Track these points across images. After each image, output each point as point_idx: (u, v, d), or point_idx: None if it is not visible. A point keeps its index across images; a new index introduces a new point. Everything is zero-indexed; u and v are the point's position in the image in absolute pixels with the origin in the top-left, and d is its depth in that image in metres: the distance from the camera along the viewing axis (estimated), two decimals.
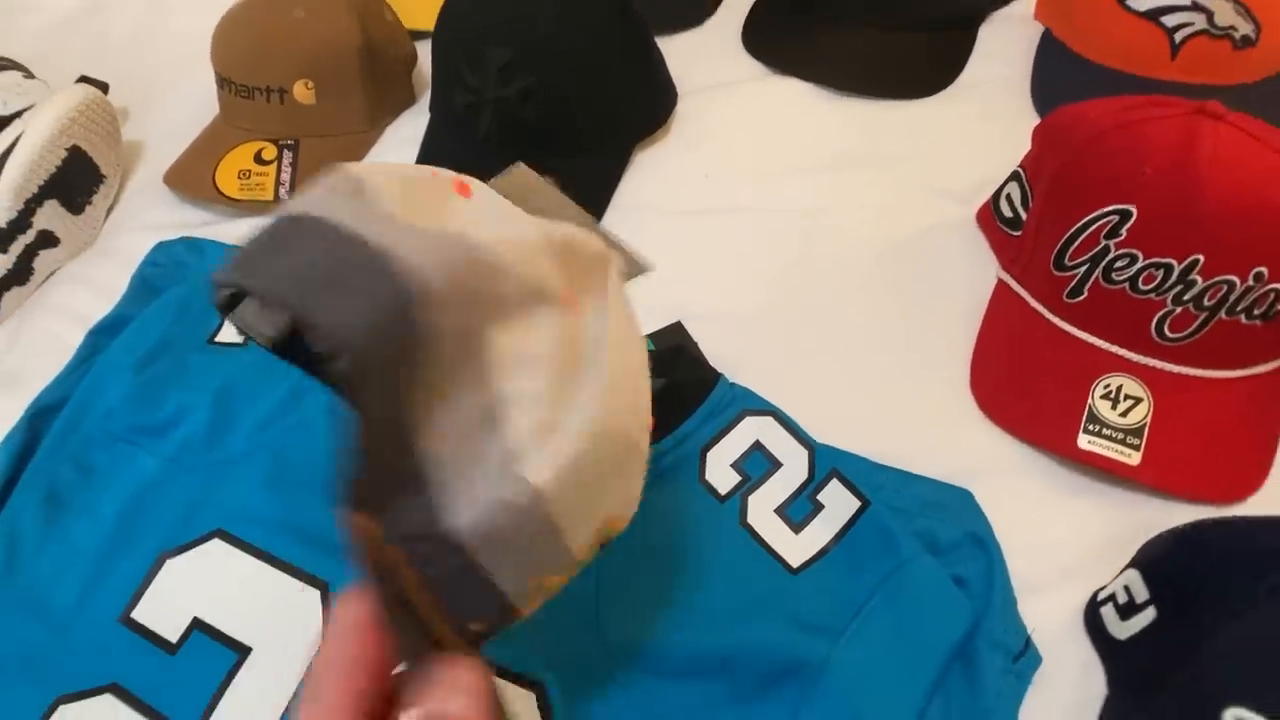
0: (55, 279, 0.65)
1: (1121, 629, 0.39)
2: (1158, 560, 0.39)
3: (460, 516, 0.27)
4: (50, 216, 0.63)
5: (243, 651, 0.44)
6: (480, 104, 0.57)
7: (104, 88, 0.68)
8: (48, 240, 0.64)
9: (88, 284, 0.64)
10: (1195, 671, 0.34)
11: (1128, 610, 0.39)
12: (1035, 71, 0.64)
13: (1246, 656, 0.32)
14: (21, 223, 0.62)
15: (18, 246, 0.62)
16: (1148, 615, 0.38)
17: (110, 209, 0.68)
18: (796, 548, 0.44)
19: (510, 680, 0.42)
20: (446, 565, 0.26)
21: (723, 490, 0.46)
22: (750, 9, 0.71)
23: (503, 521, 0.27)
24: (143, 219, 0.67)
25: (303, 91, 0.63)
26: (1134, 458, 0.44)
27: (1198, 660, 0.34)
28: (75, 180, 0.64)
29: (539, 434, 0.28)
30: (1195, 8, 0.57)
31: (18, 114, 0.65)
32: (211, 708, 0.43)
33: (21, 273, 0.63)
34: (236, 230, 0.63)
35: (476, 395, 0.28)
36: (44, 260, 0.64)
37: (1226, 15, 0.56)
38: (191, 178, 0.65)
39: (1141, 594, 0.39)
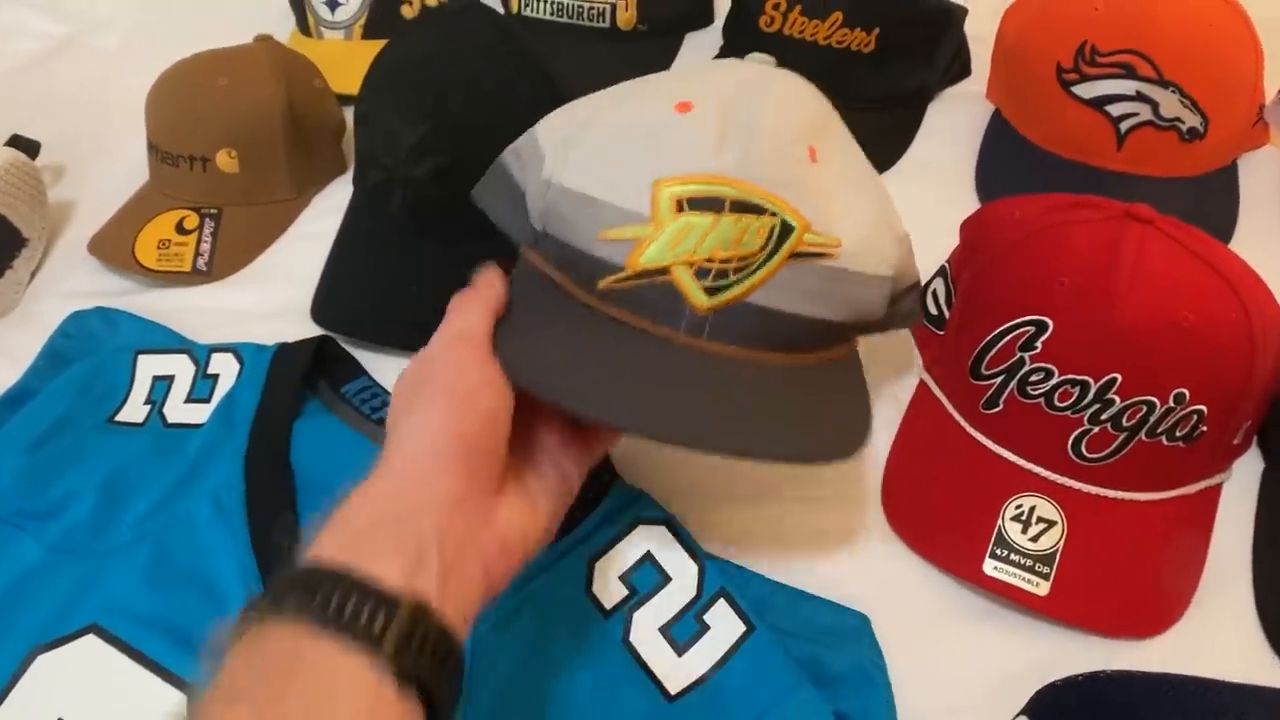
0: None
1: None
2: (1050, 711, 0.37)
3: None
4: None
5: None
6: (392, 181, 0.56)
7: (35, 147, 0.68)
8: None
9: (4, 352, 0.63)
10: None
11: None
12: (981, 153, 0.62)
13: None
14: None
15: None
16: None
17: (34, 273, 0.67)
18: (677, 672, 0.42)
19: None
20: None
21: (608, 605, 0.44)
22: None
23: None
24: (66, 285, 0.66)
25: (226, 160, 0.63)
26: (1042, 587, 0.42)
27: None
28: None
29: None
30: (1140, 98, 0.55)
31: None
32: None
33: None
34: (156, 301, 0.62)
35: None
36: None
37: (1172, 107, 0.54)
38: (113, 246, 0.64)
39: None
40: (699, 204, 0.40)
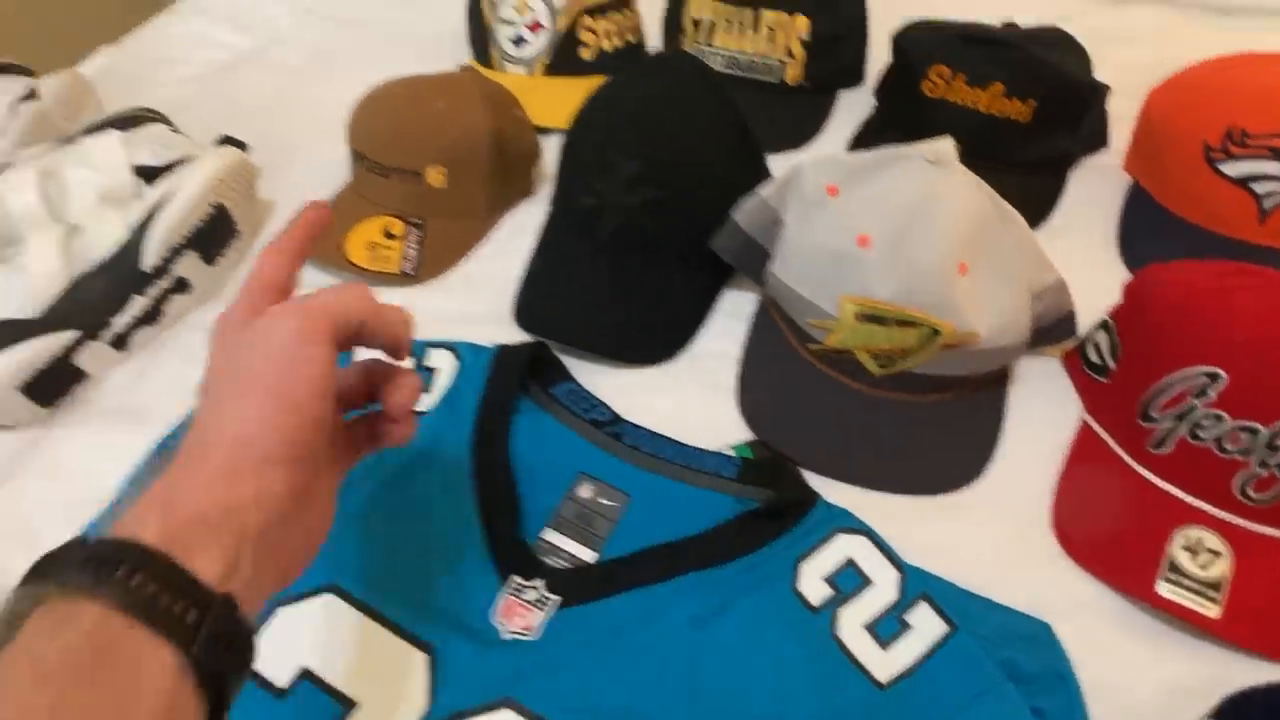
0: (183, 324, 0.70)
1: None
2: (1239, 717, 0.41)
3: None
4: (188, 266, 0.68)
5: (348, 705, 0.47)
6: (603, 207, 0.62)
7: (243, 148, 0.74)
8: (181, 287, 0.69)
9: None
10: None
11: None
12: (1122, 222, 0.68)
13: None
14: (163, 269, 0.67)
15: (155, 290, 0.67)
16: None
17: (240, 263, 0.73)
18: (884, 664, 0.47)
19: None
20: None
21: (815, 602, 0.49)
22: (854, 138, 0.76)
23: None
24: None
25: (435, 176, 0.68)
26: (1213, 610, 0.47)
27: None
28: (214, 235, 0.69)
29: None
30: None
31: (168, 166, 0.71)
32: None
33: (153, 314, 0.68)
34: None
35: None
36: (175, 305, 0.69)
37: None
38: (320, 244, 0.69)
39: None
40: (870, 318, 0.55)
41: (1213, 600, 0.47)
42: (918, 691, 0.46)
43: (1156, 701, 0.46)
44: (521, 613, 0.49)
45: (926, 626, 0.47)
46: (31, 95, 0.78)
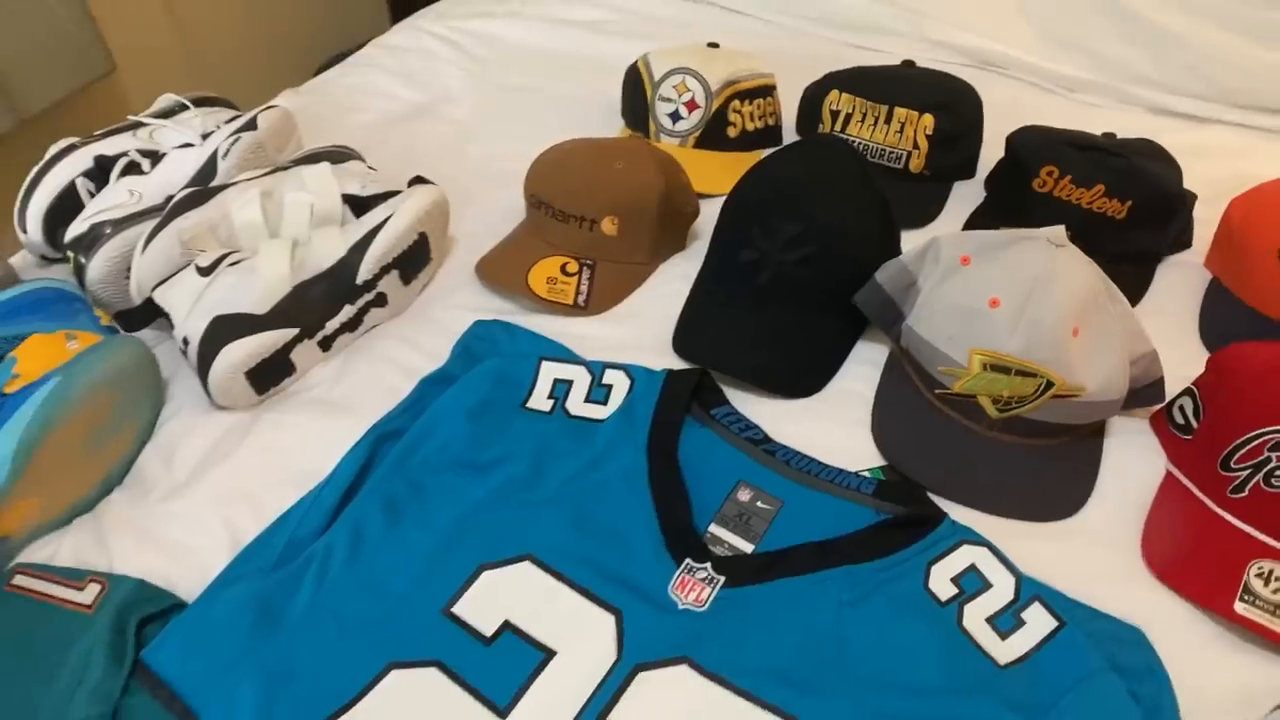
0: (377, 332, 0.83)
1: None
2: None
3: None
4: (389, 283, 0.82)
5: (547, 654, 0.58)
6: (763, 262, 0.75)
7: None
8: (381, 301, 0.82)
9: (404, 340, 0.82)
10: None
11: None
12: (1203, 311, 0.80)
13: None
14: (370, 284, 0.80)
15: (361, 301, 0.81)
16: None
17: (425, 285, 0.86)
18: (1004, 651, 0.57)
19: None
20: None
21: (943, 598, 0.60)
22: (967, 222, 0.89)
23: None
24: (452, 299, 0.85)
25: (609, 225, 0.82)
26: None
27: None
28: (414, 259, 0.83)
29: None
30: None
31: (374, 196, 0.85)
32: (519, 696, 0.56)
33: (355, 323, 0.81)
34: (537, 323, 0.80)
35: None
36: (373, 316, 0.82)
37: None
38: (504, 275, 0.83)
39: None
40: (996, 368, 0.67)
41: None
42: (1032, 673, 0.56)
43: (1228, 698, 0.56)
44: (694, 588, 0.61)
45: (1039, 622, 0.58)
46: (251, 125, 0.93)
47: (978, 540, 0.62)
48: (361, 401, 0.76)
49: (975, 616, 0.59)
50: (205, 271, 0.78)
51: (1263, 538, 0.61)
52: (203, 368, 0.74)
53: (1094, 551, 0.64)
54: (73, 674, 0.58)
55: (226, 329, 0.74)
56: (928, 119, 0.88)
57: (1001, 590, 0.60)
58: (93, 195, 0.90)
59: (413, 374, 0.77)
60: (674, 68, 0.94)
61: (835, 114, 0.91)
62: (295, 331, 0.77)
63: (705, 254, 0.84)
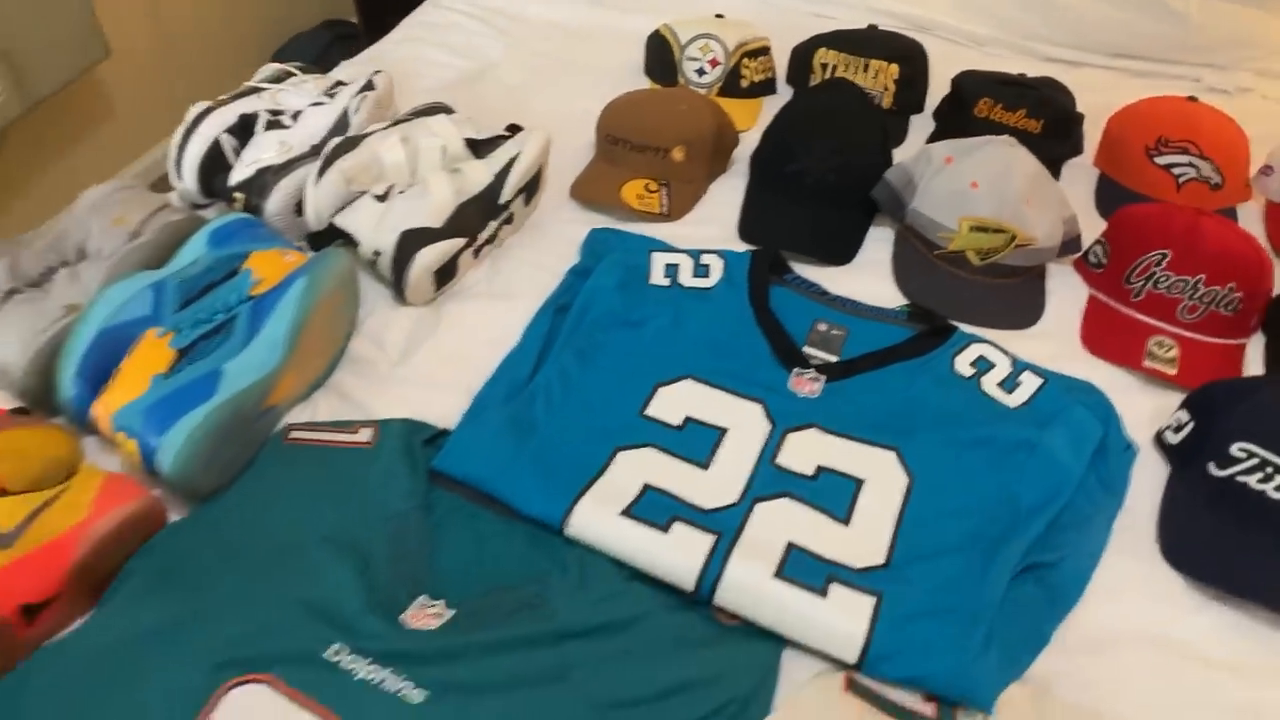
0: (507, 244, 1.09)
1: (1174, 437, 0.88)
2: (1193, 400, 0.88)
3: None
4: (517, 205, 1.09)
5: (722, 430, 0.88)
6: (805, 171, 1.07)
7: None
8: (509, 219, 1.09)
9: (528, 247, 1.09)
10: (1214, 436, 0.83)
11: (1176, 430, 0.88)
12: (1096, 194, 1.18)
13: (1253, 419, 0.81)
14: (506, 205, 1.07)
15: (500, 219, 1.07)
16: (1188, 428, 0.87)
17: (536, 207, 1.13)
18: (1012, 400, 0.91)
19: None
20: None
21: (965, 375, 0.93)
22: (927, 141, 1.24)
23: None
24: (557, 215, 1.13)
25: (678, 153, 1.12)
26: (1173, 370, 0.94)
27: (1216, 433, 0.83)
28: (533, 186, 1.10)
29: None
30: (1191, 165, 1.11)
31: (487, 140, 1.11)
32: (712, 456, 0.85)
33: (493, 237, 1.08)
34: (633, 229, 1.09)
35: None
36: (504, 231, 1.09)
37: (1207, 171, 1.11)
38: (599, 194, 1.11)
39: (1183, 419, 0.87)
40: (978, 229, 0.99)
41: (1172, 367, 0.94)
42: (1032, 409, 0.90)
43: (1141, 418, 0.92)
44: (806, 385, 0.92)
45: (1030, 382, 0.92)
46: (370, 86, 1.17)
47: (980, 340, 0.96)
48: (516, 292, 1.03)
49: (989, 383, 0.93)
50: (381, 199, 1.03)
51: (1155, 322, 0.98)
52: (399, 271, 0.99)
53: (1049, 344, 0.99)
54: (377, 487, 0.83)
55: (415, 240, 0.99)
56: (894, 68, 1.22)
57: (1002, 367, 0.94)
58: (235, 149, 1.13)
59: (544, 269, 1.05)
60: (698, 34, 1.24)
61: (824, 66, 1.24)
62: (463, 241, 1.02)
63: (749, 170, 1.15)
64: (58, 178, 1.98)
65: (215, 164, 1.12)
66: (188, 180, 1.11)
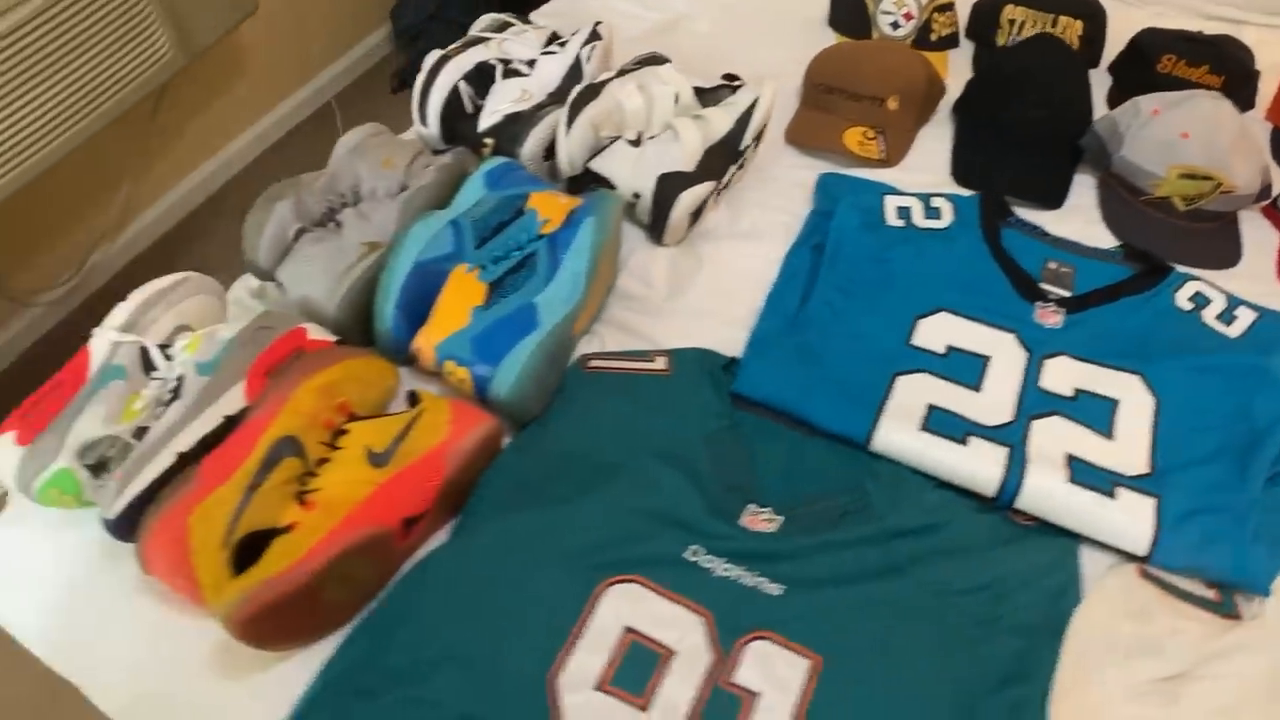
0: (738, 187, 1.18)
1: None
2: None
3: None
4: (750, 151, 1.17)
5: (984, 358, 0.98)
6: (1017, 120, 1.16)
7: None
8: (742, 164, 1.18)
9: (759, 190, 1.18)
10: None
11: None
12: (1271, 145, 1.28)
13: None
14: (743, 151, 1.16)
15: (738, 164, 1.16)
16: None
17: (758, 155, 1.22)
18: (1231, 330, 1.01)
19: None
20: None
21: (1186, 310, 1.04)
22: (1107, 96, 1.33)
23: None
24: (779, 161, 1.22)
25: (893, 103, 1.21)
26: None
27: None
28: (762, 132, 1.19)
29: None
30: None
31: (712, 89, 1.19)
32: (981, 379, 0.95)
33: (730, 181, 1.16)
34: (855, 173, 1.18)
35: None
36: (735, 175, 1.18)
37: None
38: (820, 140, 1.20)
39: None
40: (1189, 176, 1.09)
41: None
42: (1252, 338, 1.01)
43: None
44: (1049, 316, 1.02)
45: (1246, 315, 1.02)
46: (596, 37, 1.24)
47: (1195, 277, 1.07)
48: (757, 233, 1.12)
49: (1209, 316, 1.03)
50: (635, 144, 1.11)
51: None
52: (660, 212, 1.08)
53: (1245, 283, 1.10)
54: (689, 408, 0.93)
55: (674, 183, 1.08)
56: (1079, 24, 1.31)
57: (1219, 302, 1.04)
58: (470, 96, 1.20)
59: (777, 210, 1.14)
60: None
61: (1012, 22, 1.33)
62: (713, 184, 1.11)
63: (955, 118, 1.24)
64: (205, 128, 2.07)
65: (454, 110, 1.19)
66: (432, 126, 1.19)
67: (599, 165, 1.11)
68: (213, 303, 0.99)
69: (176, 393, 0.88)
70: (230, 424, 0.85)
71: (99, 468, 0.88)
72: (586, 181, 1.13)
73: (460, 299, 0.95)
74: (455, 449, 0.85)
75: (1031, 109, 1.16)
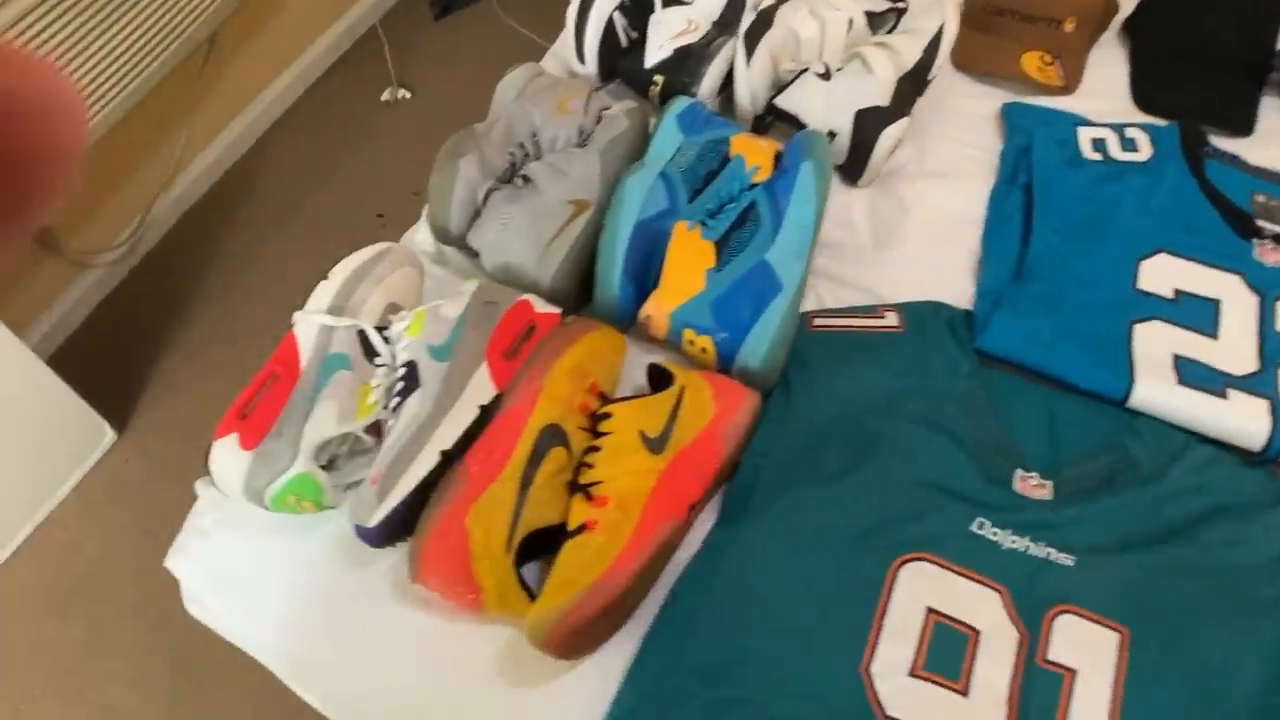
0: (918, 117, 1.12)
1: None
2: None
3: None
4: (934, 79, 1.11)
5: (1215, 302, 0.95)
6: (1204, 41, 1.11)
7: None
8: (922, 93, 1.11)
9: (935, 123, 1.12)
10: None
11: None
12: None
13: None
14: (930, 80, 1.09)
15: (923, 93, 1.09)
16: None
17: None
18: None
19: None
20: None
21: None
22: None
23: None
24: (953, 89, 1.15)
25: (1070, 25, 1.14)
26: None
27: None
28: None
29: None
30: None
31: (881, 14, 1.12)
32: (1216, 325, 0.92)
33: (910, 110, 1.10)
34: (1034, 102, 1.13)
35: None
36: (916, 104, 1.11)
37: None
38: (996, 65, 1.14)
39: None
40: None
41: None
42: None
43: None
44: (1271, 255, 0.99)
45: None
46: None
47: None
48: (954, 170, 1.07)
49: None
50: (824, 77, 1.04)
51: None
52: (860, 153, 1.02)
53: None
54: (936, 368, 0.89)
55: (874, 119, 1.02)
56: None
57: None
58: (624, 28, 1.11)
59: (963, 144, 1.09)
60: None
61: None
62: (909, 119, 1.05)
63: (1130, 40, 1.19)
64: (245, 70, 1.95)
65: (609, 44, 1.10)
66: (590, 64, 1.09)
67: (787, 102, 1.04)
68: (415, 275, 0.91)
69: (409, 380, 0.81)
70: (485, 415, 0.79)
71: (327, 466, 0.81)
72: (770, 119, 1.05)
73: (690, 261, 0.89)
74: (728, 428, 0.81)
75: (1225, 30, 1.11)
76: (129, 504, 1.58)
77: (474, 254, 0.96)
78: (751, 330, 0.85)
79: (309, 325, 0.84)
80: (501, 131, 0.99)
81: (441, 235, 0.95)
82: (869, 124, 1.01)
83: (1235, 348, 0.92)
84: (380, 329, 0.85)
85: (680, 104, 1.01)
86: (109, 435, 1.61)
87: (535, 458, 0.77)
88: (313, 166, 2.04)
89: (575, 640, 0.71)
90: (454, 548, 0.73)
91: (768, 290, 0.87)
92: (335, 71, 2.25)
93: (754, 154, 0.97)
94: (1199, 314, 0.94)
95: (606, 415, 0.81)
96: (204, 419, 1.63)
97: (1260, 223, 1.02)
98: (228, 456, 0.78)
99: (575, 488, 0.78)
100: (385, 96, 2.13)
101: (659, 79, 1.06)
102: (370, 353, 0.83)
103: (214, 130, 2.02)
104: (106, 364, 1.69)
